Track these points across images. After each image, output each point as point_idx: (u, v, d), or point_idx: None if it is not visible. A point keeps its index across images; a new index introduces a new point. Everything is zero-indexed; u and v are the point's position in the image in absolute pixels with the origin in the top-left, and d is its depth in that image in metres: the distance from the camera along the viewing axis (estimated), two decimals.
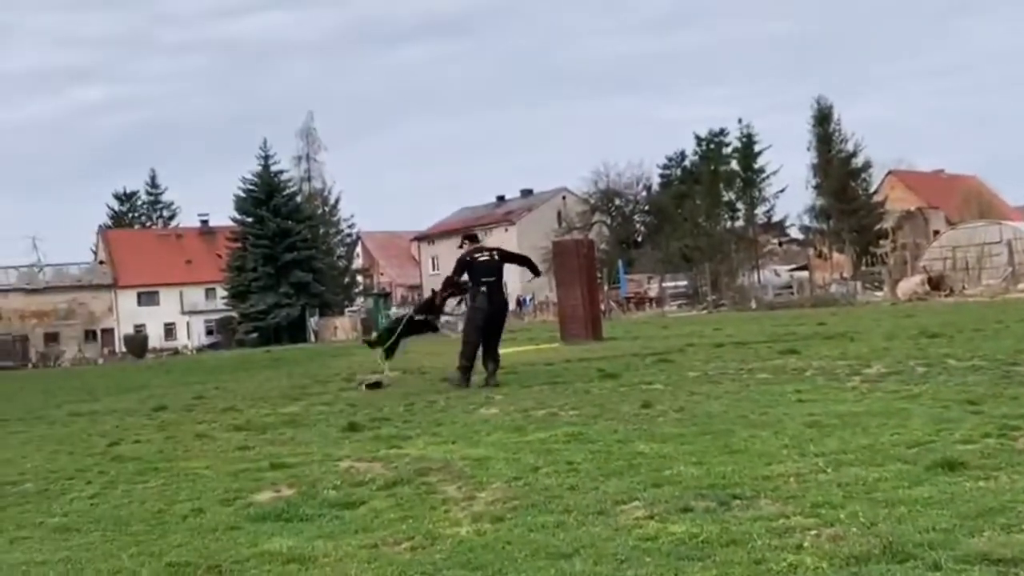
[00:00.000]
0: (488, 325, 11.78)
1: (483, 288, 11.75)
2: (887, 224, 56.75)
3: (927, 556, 3.58)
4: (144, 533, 5.03)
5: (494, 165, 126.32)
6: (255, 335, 58.63)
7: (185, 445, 8.29)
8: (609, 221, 66.46)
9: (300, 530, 4.89)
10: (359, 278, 76.76)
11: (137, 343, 64.44)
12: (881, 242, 55.74)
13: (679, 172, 65.81)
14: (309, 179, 72.59)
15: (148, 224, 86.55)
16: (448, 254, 72.06)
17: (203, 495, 5.89)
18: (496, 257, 11.94)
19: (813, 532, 4.10)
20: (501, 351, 12.13)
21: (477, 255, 11.93)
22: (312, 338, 55.08)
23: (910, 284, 38.13)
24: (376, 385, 12.28)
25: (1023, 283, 35.93)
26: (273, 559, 4.30)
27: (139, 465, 7.21)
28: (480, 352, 11.76)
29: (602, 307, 32.96)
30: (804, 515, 4.38)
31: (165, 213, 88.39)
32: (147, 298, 74.92)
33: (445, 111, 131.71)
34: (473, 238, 12.51)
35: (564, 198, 70.67)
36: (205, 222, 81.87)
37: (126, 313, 74.06)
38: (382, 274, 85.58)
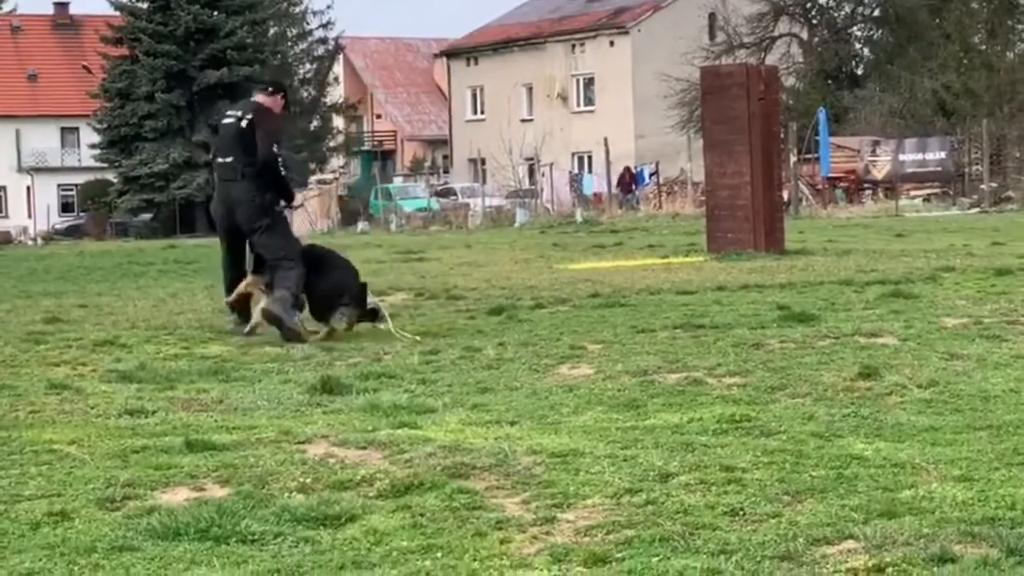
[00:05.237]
0: (229, 236, 12.82)
1: (214, 173, 13.17)
2: None
3: None
4: None
5: None
6: (148, 217, 58.91)
7: (32, 402, 8.45)
8: (806, 36, 65.60)
9: (240, 559, 4.99)
10: (338, 122, 76.80)
11: None
12: None
13: None
14: None
15: None
16: (499, 83, 71.93)
17: (68, 489, 6.02)
18: (244, 124, 12.56)
19: None
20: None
21: (224, 117, 13.04)
22: None
23: None
24: (372, 315, 12.35)
25: None
26: None
27: None
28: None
29: (785, 195, 32.76)
30: None
31: None
32: None
33: None
34: (275, 86, 13.34)
35: None
36: (63, 5, 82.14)
37: None
38: (379, 116, 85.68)
